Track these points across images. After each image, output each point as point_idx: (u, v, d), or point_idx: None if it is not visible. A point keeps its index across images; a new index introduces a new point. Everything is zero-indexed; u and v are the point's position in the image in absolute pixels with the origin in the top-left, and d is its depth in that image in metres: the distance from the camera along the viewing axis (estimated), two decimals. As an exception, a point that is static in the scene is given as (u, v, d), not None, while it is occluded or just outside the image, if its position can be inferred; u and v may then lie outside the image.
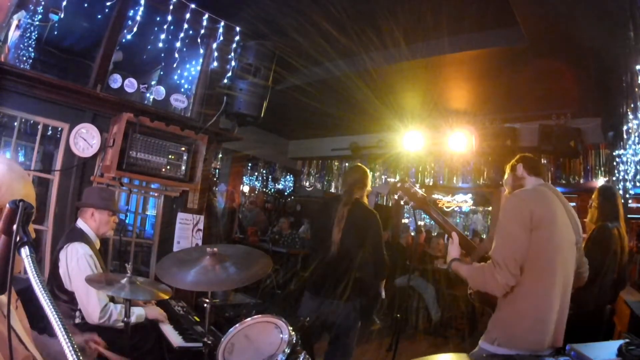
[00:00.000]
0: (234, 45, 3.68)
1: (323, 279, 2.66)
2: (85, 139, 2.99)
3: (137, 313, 2.28)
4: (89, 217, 2.37)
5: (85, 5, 3.28)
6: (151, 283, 2.06)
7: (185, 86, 3.99)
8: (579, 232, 1.79)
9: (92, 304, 2.10)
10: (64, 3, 2.89)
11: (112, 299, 2.22)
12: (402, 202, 2.03)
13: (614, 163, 4.48)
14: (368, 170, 2.92)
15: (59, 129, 3.03)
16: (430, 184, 7.16)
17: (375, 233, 2.68)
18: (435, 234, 6.72)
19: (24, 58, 3.27)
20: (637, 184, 3.80)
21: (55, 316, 0.64)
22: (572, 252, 1.75)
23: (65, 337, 0.63)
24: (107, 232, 2.44)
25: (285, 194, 9.38)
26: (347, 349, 2.69)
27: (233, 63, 3.69)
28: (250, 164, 8.95)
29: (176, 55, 3.43)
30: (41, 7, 2.96)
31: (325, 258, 2.65)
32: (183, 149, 3.32)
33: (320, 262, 2.67)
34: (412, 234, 7.60)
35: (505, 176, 2.01)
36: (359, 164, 3.02)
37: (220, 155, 7.17)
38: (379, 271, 2.66)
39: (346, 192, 2.84)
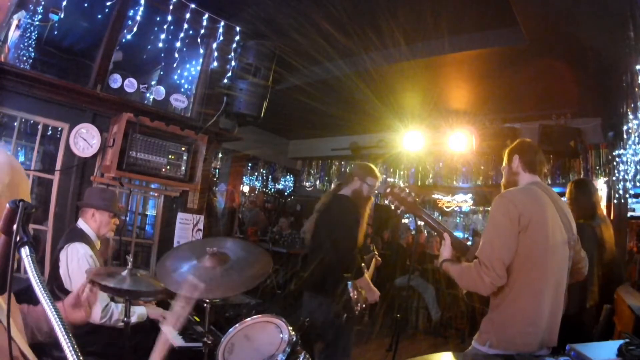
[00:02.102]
0: (234, 45, 3.69)
1: (304, 274, 2.69)
2: (85, 139, 2.99)
3: (139, 312, 2.28)
4: (90, 218, 2.36)
5: (85, 5, 3.28)
6: (152, 276, 2.06)
7: (185, 86, 3.99)
8: (571, 230, 1.78)
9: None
10: (64, 3, 2.89)
11: (112, 299, 2.22)
12: (393, 207, 2.03)
13: (614, 163, 4.47)
14: (363, 166, 2.74)
15: (59, 129, 3.03)
16: (430, 184, 7.16)
17: (337, 225, 2.52)
18: (435, 233, 6.71)
19: (24, 58, 3.27)
20: (637, 184, 3.79)
21: (56, 316, 0.64)
22: (564, 252, 1.74)
23: (66, 337, 0.63)
24: (107, 233, 2.44)
25: (285, 194, 9.38)
26: (332, 349, 2.58)
27: (233, 63, 3.70)
28: (250, 164, 8.95)
29: (176, 55, 3.43)
30: (41, 7, 2.96)
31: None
32: (183, 148, 3.32)
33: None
34: (412, 233, 7.60)
35: (503, 163, 1.99)
36: (367, 163, 2.82)
37: (220, 155, 7.17)
38: (346, 266, 2.50)
39: (333, 188, 2.82)
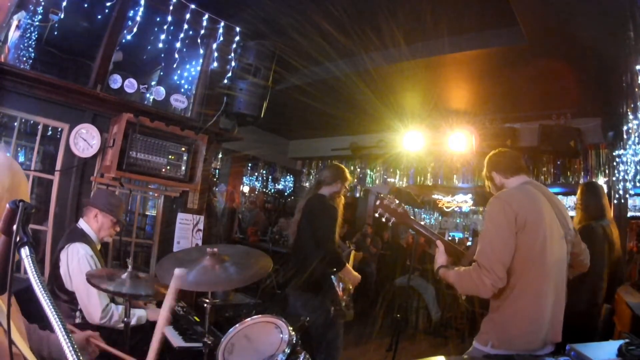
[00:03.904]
0: (234, 45, 3.69)
1: (288, 273, 2.81)
2: (85, 139, 2.99)
3: (139, 315, 2.28)
4: (92, 218, 2.36)
5: (85, 5, 3.28)
6: (152, 278, 2.06)
7: (185, 86, 3.99)
8: (567, 225, 1.78)
9: (93, 304, 2.10)
10: (64, 3, 2.89)
11: (112, 300, 2.22)
12: (383, 220, 2.03)
13: (614, 163, 4.48)
14: (342, 169, 2.93)
15: (59, 129, 3.03)
16: (430, 184, 7.15)
17: (320, 223, 2.69)
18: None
19: (24, 58, 3.27)
20: (637, 184, 3.80)
21: (55, 316, 0.64)
22: (562, 247, 1.74)
23: (65, 337, 0.63)
24: (105, 238, 2.42)
25: (285, 194, 9.37)
26: (321, 344, 2.65)
27: (233, 63, 3.70)
28: (250, 164, 8.94)
29: (176, 55, 3.44)
30: (41, 7, 2.96)
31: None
32: (183, 149, 3.32)
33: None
34: (412, 233, 7.60)
35: (487, 187, 2.00)
36: (336, 163, 3.09)
37: (220, 155, 7.16)
38: (330, 262, 2.64)
39: (310, 188, 2.99)
